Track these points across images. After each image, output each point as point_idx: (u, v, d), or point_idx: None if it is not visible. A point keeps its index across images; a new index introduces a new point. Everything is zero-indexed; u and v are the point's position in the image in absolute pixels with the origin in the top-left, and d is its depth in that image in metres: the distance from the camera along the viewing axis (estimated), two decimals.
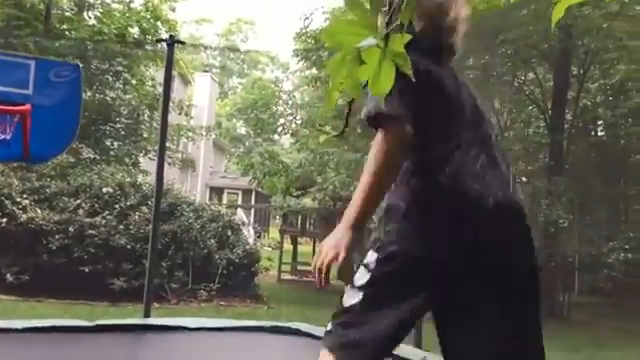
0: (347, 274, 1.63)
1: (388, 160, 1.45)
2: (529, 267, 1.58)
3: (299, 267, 15.67)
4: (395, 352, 1.66)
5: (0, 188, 9.06)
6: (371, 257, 1.61)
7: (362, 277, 1.61)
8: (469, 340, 1.54)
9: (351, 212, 1.56)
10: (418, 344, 3.86)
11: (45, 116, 3.65)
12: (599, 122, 14.90)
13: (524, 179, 12.55)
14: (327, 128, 13.38)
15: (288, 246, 16.86)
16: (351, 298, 1.61)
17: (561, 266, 11.97)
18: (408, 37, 1.07)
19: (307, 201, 16.94)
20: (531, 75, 13.10)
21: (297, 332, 3.74)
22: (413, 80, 1.17)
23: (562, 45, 11.18)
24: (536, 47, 11.75)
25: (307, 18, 12.90)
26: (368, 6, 1.09)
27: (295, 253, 16.06)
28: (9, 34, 11.90)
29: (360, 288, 1.59)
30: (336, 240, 1.57)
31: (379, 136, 1.47)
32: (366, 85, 1.06)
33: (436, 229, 1.52)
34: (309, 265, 15.44)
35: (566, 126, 12.44)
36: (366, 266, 1.63)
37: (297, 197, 16.67)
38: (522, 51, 11.70)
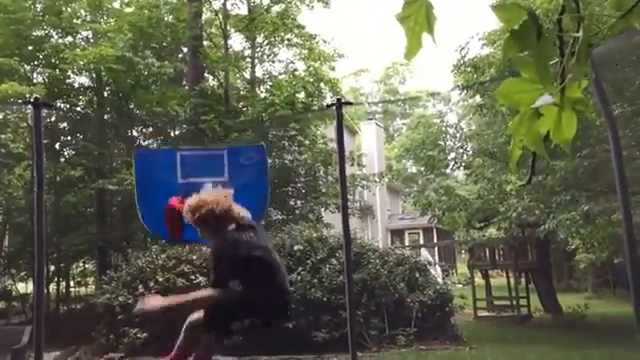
0: None
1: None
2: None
3: (495, 302, 14.98)
4: None
5: (208, 258, 10.12)
6: None
7: None
8: None
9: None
10: None
11: (240, 195, 4.07)
12: None
13: None
14: (498, 154, 12.88)
15: (479, 280, 16.27)
16: None
17: None
18: (585, 83, 1.08)
19: (492, 232, 16.28)
20: None
21: None
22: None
23: None
24: None
25: (463, 48, 12.73)
26: (535, 61, 1.12)
27: (488, 287, 15.41)
28: (198, 120, 13.49)
29: None
30: None
31: None
32: None
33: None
34: (505, 299, 14.75)
35: None
36: None
37: (481, 229, 16.12)
38: None
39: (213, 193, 3.40)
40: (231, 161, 4.19)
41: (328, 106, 6.28)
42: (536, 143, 1.13)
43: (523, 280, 16.08)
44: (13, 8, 12.71)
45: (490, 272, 16.21)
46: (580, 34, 1.09)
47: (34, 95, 4.30)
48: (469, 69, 12.91)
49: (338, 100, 5.05)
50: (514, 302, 14.40)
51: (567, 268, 21.52)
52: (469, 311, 13.91)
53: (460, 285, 19.57)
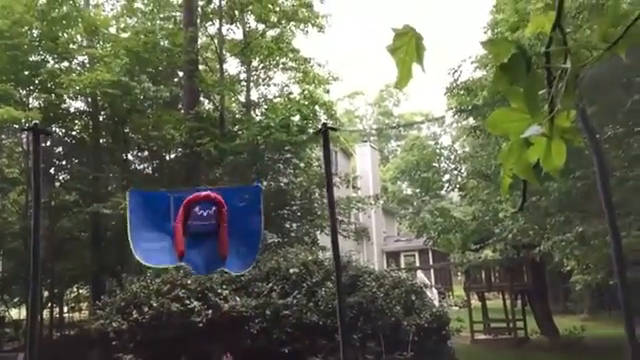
0: None
1: None
2: None
3: (492, 325, 14.90)
4: None
5: (203, 282, 10.06)
6: None
7: None
8: None
9: None
10: None
11: (236, 236, 4.13)
12: None
13: None
14: (492, 176, 12.95)
15: (476, 303, 16.20)
16: None
17: None
18: (573, 112, 1.10)
19: (488, 253, 16.25)
20: None
21: None
22: None
23: None
24: None
25: (455, 71, 12.87)
26: (523, 91, 1.15)
27: (485, 310, 15.34)
28: (193, 143, 13.53)
29: None
30: None
31: None
32: None
33: None
34: (502, 322, 14.67)
35: None
36: None
37: (476, 251, 16.13)
38: None
39: None
40: (227, 202, 4.24)
41: (316, 132, 6.32)
42: (526, 172, 1.16)
43: (519, 302, 16.02)
44: (10, 34, 12.81)
45: (486, 294, 16.17)
46: (568, 65, 1.12)
47: (33, 121, 4.33)
48: (462, 92, 13.04)
49: (324, 125, 5.11)
50: (511, 325, 14.34)
51: (563, 290, 21.47)
52: (466, 334, 13.83)
53: (457, 308, 19.46)
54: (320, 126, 5.68)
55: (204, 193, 4.35)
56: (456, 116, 15.44)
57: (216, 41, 15.87)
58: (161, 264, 4.32)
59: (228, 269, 4.43)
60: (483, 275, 15.40)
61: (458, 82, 12.96)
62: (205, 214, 4.21)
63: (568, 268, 15.21)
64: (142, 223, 4.16)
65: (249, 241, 4.31)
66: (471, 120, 14.53)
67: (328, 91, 17.13)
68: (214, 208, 4.24)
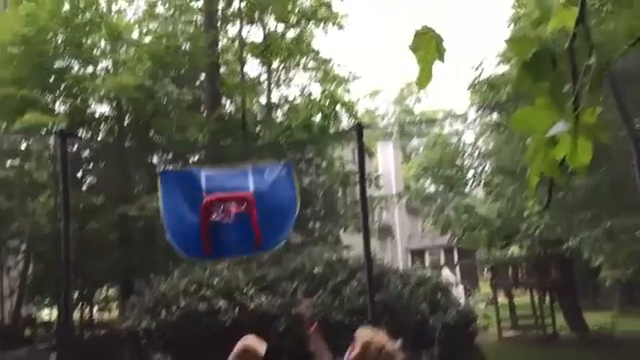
0: None
1: None
2: None
3: (520, 322, 14.74)
4: None
5: (229, 281, 10.13)
6: None
7: None
8: None
9: None
10: None
11: (267, 214, 4.13)
12: None
13: None
14: (517, 172, 12.79)
15: (502, 299, 16.04)
16: None
17: None
18: (599, 109, 1.10)
19: (514, 250, 16.08)
20: None
21: None
22: None
23: None
24: None
25: (478, 67, 12.75)
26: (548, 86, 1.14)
27: (512, 307, 15.17)
28: (216, 145, 13.64)
29: None
30: None
31: None
32: None
33: None
34: (530, 319, 14.50)
35: None
36: None
37: (502, 247, 15.95)
38: None
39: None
40: (256, 176, 4.25)
41: (348, 131, 6.32)
42: (553, 170, 1.15)
43: (547, 298, 15.80)
44: (35, 41, 13.05)
45: (513, 291, 16.00)
46: (592, 61, 1.11)
47: (60, 126, 4.44)
48: (485, 88, 12.92)
49: (358, 125, 5.09)
50: (539, 321, 14.17)
51: (592, 286, 21.10)
52: (493, 331, 13.71)
53: (483, 305, 19.29)
54: (349, 124, 5.68)
55: (223, 195, 4.26)
56: (479, 112, 15.31)
57: (237, 43, 15.97)
58: (191, 255, 4.33)
59: (265, 248, 4.45)
60: (510, 272, 15.25)
61: (481, 78, 12.84)
62: (229, 213, 4.20)
63: (597, 264, 14.97)
64: (174, 202, 4.19)
65: (280, 220, 4.29)
66: (495, 116, 14.39)
67: (349, 90, 17.14)
68: (236, 204, 4.23)
